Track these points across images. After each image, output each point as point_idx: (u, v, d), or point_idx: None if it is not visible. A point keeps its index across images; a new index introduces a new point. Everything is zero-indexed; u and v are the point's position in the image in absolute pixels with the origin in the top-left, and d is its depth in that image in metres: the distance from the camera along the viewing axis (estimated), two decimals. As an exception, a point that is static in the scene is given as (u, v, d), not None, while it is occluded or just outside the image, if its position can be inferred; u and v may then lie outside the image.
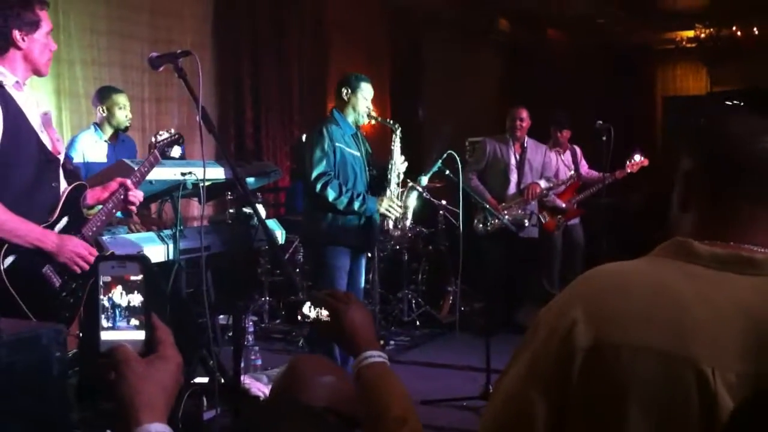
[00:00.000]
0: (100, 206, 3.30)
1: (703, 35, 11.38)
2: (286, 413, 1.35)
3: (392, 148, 5.08)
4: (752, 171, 1.18)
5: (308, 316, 1.64)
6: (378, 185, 5.06)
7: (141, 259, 1.17)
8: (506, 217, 6.10)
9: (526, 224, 6.31)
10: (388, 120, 5.29)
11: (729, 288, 1.11)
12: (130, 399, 1.08)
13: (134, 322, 1.15)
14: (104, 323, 1.14)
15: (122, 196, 3.29)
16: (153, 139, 3.62)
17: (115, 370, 1.10)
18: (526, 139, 6.77)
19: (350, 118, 4.98)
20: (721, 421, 1.03)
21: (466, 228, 5.28)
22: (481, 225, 6.34)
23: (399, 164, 5.08)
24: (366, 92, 5.00)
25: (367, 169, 5.03)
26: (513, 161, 6.69)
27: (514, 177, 6.67)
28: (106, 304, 1.14)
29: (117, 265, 1.15)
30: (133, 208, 3.41)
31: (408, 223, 5.21)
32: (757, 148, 1.18)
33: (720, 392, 1.04)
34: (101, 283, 1.15)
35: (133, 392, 1.08)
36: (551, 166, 6.96)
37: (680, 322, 1.08)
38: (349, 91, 4.97)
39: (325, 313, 1.63)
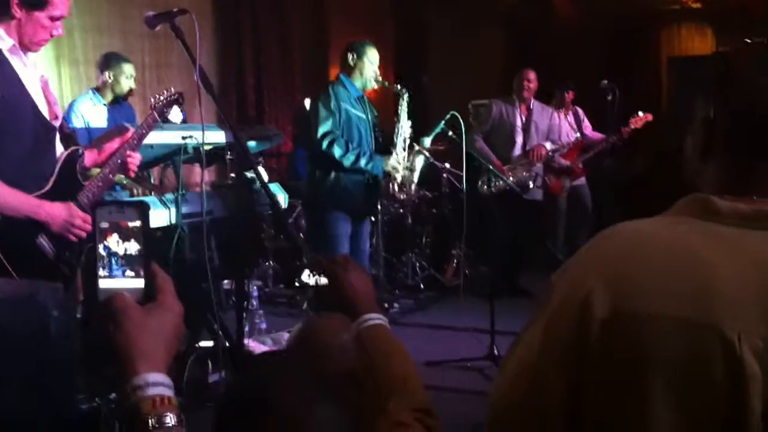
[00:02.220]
0: (98, 170, 3.25)
1: (708, -5, 11.24)
2: (298, 379, 1.32)
3: (399, 112, 5.10)
4: None
5: (307, 284, 1.62)
6: (383, 150, 5.06)
7: (139, 205, 1.13)
8: (510, 178, 6.05)
9: (531, 186, 6.27)
10: (395, 84, 5.26)
11: (753, 247, 1.06)
12: (127, 348, 1.04)
13: (131, 272, 1.11)
14: (101, 272, 1.11)
15: (120, 160, 3.23)
16: (152, 100, 3.55)
17: (112, 318, 1.06)
18: (533, 101, 6.72)
19: (358, 83, 5.01)
20: (748, 388, 0.99)
21: (470, 190, 5.25)
22: (485, 186, 6.28)
23: (405, 128, 5.09)
24: (372, 57, 5.03)
25: (373, 132, 5.03)
26: (519, 123, 6.65)
27: (519, 139, 6.63)
28: (102, 252, 1.11)
29: (115, 210, 1.11)
30: (132, 172, 3.34)
31: (414, 186, 5.19)
32: None
33: (746, 358, 0.99)
34: (99, 229, 1.11)
35: (131, 341, 1.05)
36: (557, 128, 6.90)
37: (703, 287, 1.02)
38: (355, 56, 5.00)
39: (324, 279, 1.61)
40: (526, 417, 1.09)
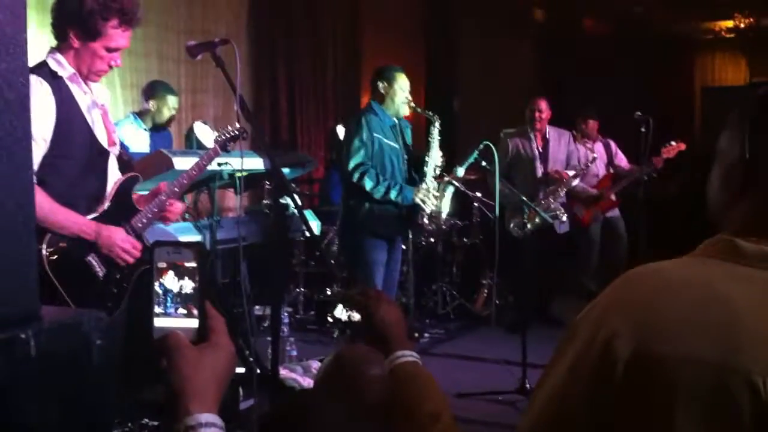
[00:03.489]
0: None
1: (742, 25, 11.18)
2: (331, 410, 1.32)
3: (430, 140, 5.08)
4: None
5: (340, 319, 1.62)
6: (414, 178, 5.05)
7: (196, 246, 1.14)
8: (552, 205, 5.95)
9: (559, 215, 6.01)
10: (427, 111, 5.24)
11: None
12: (180, 387, 1.05)
13: (184, 309, 1.12)
14: (156, 309, 1.12)
15: (173, 192, 3.28)
16: (215, 134, 3.58)
17: (166, 357, 1.07)
18: (548, 129, 6.61)
19: (390, 110, 4.99)
20: None
21: (501, 221, 5.22)
22: (517, 228, 6.01)
23: (436, 157, 5.06)
24: (402, 83, 5.01)
25: (405, 161, 5.02)
26: (537, 155, 6.55)
27: (540, 171, 6.53)
28: (158, 290, 1.12)
29: (172, 251, 1.13)
30: (168, 221, 3.39)
31: (443, 217, 5.16)
32: None
33: None
34: (156, 268, 1.12)
35: (184, 381, 1.05)
36: (575, 155, 6.77)
37: (728, 329, 1.01)
38: (386, 83, 5.00)
39: (356, 315, 1.61)
40: None
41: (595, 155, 6.85)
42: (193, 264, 1.12)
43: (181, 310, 1.12)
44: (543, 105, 6.54)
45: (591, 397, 1.05)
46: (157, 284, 1.12)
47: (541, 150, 6.55)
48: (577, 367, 1.08)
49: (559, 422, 1.08)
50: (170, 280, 1.11)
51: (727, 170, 1.18)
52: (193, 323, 1.12)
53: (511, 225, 6.11)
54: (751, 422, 0.98)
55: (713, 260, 1.10)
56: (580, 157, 6.85)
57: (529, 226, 5.70)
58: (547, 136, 6.58)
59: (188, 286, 1.12)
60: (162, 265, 1.12)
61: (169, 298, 1.11)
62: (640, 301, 1.08)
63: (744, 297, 1.04)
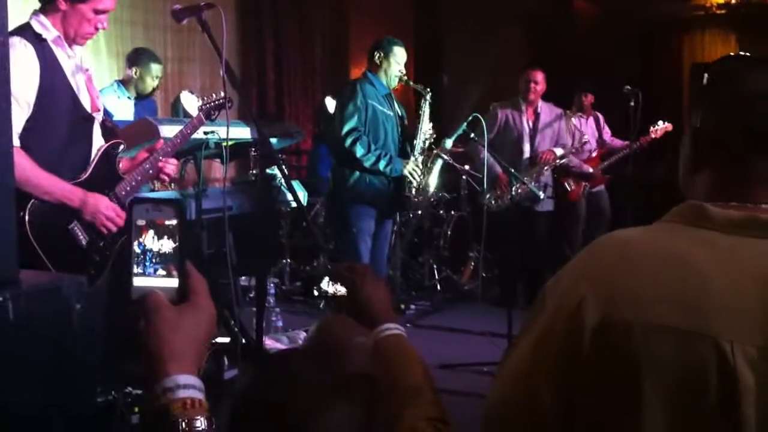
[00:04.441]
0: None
1: (733, 1, 11.15)
2: (315, 378, 1.31)
3: (421, 113, 5.11)
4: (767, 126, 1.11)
5: (326, 292, 1.61)
6: (404, 150, 5.06)
7: (176, 203, 1.11)
8: (519, 190, 5.82)
9: (542, 196, 5.84)
10: (419, 85, 5.23)
11: (746, 255, 1.05)
12: (158, 348, 1.02)
13: (164, 270, 1.09)
14: (135, 269, 1.09)
15: (157, 161, 3.25)
16: (199, 102, 3.54)
17: (144, 317, 1.05)
18: (540, 103, 6.30)
19: (383, 80, 5.00)
20: (741, 396, 0.98)
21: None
22: (493, 201, 5.92)
23: (426, 130, 5.08)
24: (399, 56, 5.04)
25: (399, 130, 5.03)
26: (526, 129, 6.25)
27: (527, 147, 6.24)
28: (137, 249, 1.08)
29: (152, 208, 1.09)
30: (166, 178, 3.36)
31: (430, 190, 5.16)
32: None
33: (739, 367, 0.99)
34: (134, 226, 1.09)
35: (162, 342, 1.02)
36: (564, 134, 6.53)
37: (696, 296, 1.02)
38: (382, 54, 5.03)
39: (342, 288, 1.60)
40: (521, 427, 1.10)
41: (586, 138, 6.77)
42: (174, 221, 1.09)
43: (161, 271, 1.09)
44: (539, 76, 6.21)
45: (558, 365, 1.06)
46: (136, 243, 1.08)
47: (531, 124, 6.29)
48: (545, 335, 1.08)
49: (526, 396, 1.08)
50: (150, 239, 1.09)
51: (685, 142, 1.21)
52: (174, 283, 1.09)
53: (487, 196, 6.05)
54: (718, 386, 0.99)
55: (680, 226, 1.11)
56: (574, 134, 6.79)
57: (506, 199, 5.70)
58: (539, 110, 6.30)
59: (168, 245, 1.09)
60: (141, 222, 1.08)
61: (148, 258, 1.09)
62: (606, 270, 1.08)
63: (709, 262, 1.04)
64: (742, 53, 1.25)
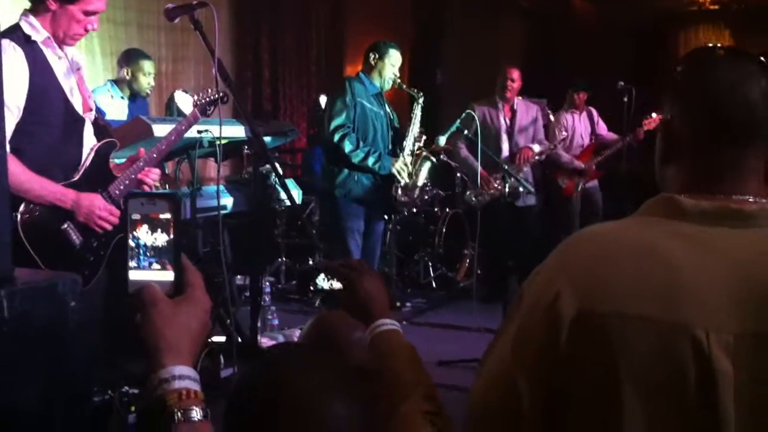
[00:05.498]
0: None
1: (727, -3, 11.18)
2: (312, 371, 1.31)
3: (412, 115, 5.14)
4: (736, 117, 1.12)
5: (322, 288, 1.61)
6: (394, 150, 5.08)
7: (171, 197, 1.12)
8: (498, 187, 5.84)
9: (521, 191, 5.87)
10: (412, 89, 5.24)
11: (719, 244, 1.07)
12: (154, 340, 1.04)
13: (158, 264, 1.10)
14: (131, 263, 1.10)
15: (151, 158, 3.25)
16: (194, 98, 3.53)
17: (141, 310, 1.06)
18: (517, 100, 6.38)
19: (376, 82, 5.03)
20: (718, 384, 1.00)
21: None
22: (473, 198, 5.99)
23: (417, 132, 5.11)
24: (393, 59, 5.08)
25: (389, 128, 5.05)
26: (504, 127, 6.31)
27: (505, 145, 6.29)
28: (132, 243, 1.10)
29: (146, 202, 1.11)
30: (147, 187, 3.33)
31: (417, 191, 5.17)
32: (740, 92, 1.12)
33: (715, 355, 1.00)
34: (130, 220, 1.10)
35: (158, 333, 1.04)
36: (542, 130, 6.60)
37: (669, 286, 1.03)
38: (377, 56, 5.07)
39: (338, 284, 1.61)
40: (501, 424, 1.11)
41: (564, 134, 6.80)
42: (168, 215, 1.10)
43: (156, 264, 1.10)
44: (515, 74, 6.31)
45: (537, 359, 1.07)
46: (131, 238, 1.10)
47: (508, 122, 6.35)
48: (523, 331, 1.10)
49: (506, 391, 1.09)
50: (144, 233, 1.10)
51: (659, 135, 1.24)
52: (169, 276, 1.11)
53: (467, 194, 6.06)
54: (695, 375, 1.00)
55: (654, 218, 1.12)
56: (575, 134, 6.81)
57: (487, 195, 5.72)
58: (515, 107, 6.37)
59: (162, 239, 1.10)
60: (136, 217, 1.10)
61: (142, 252, 1.10)
62: (582, 263, 1.10)
63: (683, 253, 1.05)
64: (713, 45, 1.27)
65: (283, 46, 8.61)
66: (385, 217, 5.52)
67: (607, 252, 1.09)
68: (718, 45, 1.26)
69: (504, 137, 6.32)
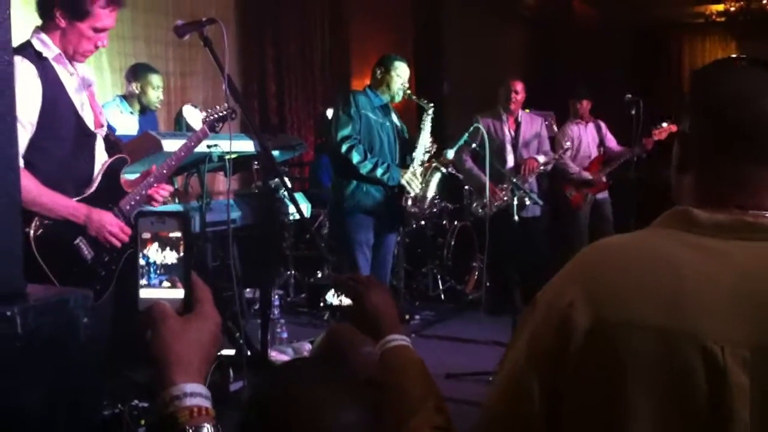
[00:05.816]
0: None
1: (733, 8, 11.18)
2: (323, 384, 1.32)
3: (422, 126, 5.12)
4: (756, 130, 1.11)
5: (332, 304, 1.62)
6: (404, 161, 5.07)
7: (181, 215, 1.14)
8: (505, 198, 5.81)
9: (527, 203, 5.83)
10: (422, 99, 5.25)
11: (735, 258, 1.06)
12: (164, 358, 1.04)
13: (168, 281, 1.11)
14: (141, 281, 1.11)
15: (161, 174, 3.27)
16: (203, 114, 3.55)
17: (151, 328, 1.07)
18: (521, 112, 6.43)
19: (384, 96, 5.03)
20: (734, 397, 0.99)
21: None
22: (480, 209, 6.03)
23: (426, 142, 5.10)
24: (400, 71, 5.07)
25: (396, 141, 5.04)
26: (508, 138, 6.34)
27: (510, 157, 6.32)
28: (142, 261, 1.11)
29: (156, 220, 1.11)
30: (156, 203, 3.34)
31: (427, 203, 5.16)
32: (760, 105, 1.11)
33: (731, 369, 0.99)
34: (140, 239, 1.11)
35: (168, 351, 1.04)
36: (547, 141, 6.61)
37: (680, 297, 1.03)
38: (383, 69, 5.07)
39: (347, 300, 1.61)
40: (511, 424, 1.11)
41: (568, 144, 6.79)
42: (178, 234, 1.11)
43: (166, 282, 1.11)
44: (519, 86, 6.34)
45: (548, 363, 1.07)
46: (141, 256, 1.11)
47: (513, 133, 6.37)
48: (536, 338, 1.10)
49: (517, 393, 1.10)
50: (154, 251, 1.11)
51: (675, 148, 1.22)
52: (179, 294, 1.11)
53: (474, 205, 6.06)
54: (707, 387, 1.00)
55: (669, 230, 1.12)
56: (581, 145, 6.80)
57: (493, 207, 5.70)
58: (519, 119, 6.40)
59: (171, 257, 1.11)
60: (146, 235, 1.11)
61: (152, 270, 1.11)
62: (594, 273, 1.11)
63: (693, 264, 1.06)
64: (730, 57, 1.26)
65: (288, 59, 8.63)
66: (397, 229, 5.53)
67: (620, 262, 1.10)
68: (740, 56, 1.24)
69: (509, 149, 6.34)
